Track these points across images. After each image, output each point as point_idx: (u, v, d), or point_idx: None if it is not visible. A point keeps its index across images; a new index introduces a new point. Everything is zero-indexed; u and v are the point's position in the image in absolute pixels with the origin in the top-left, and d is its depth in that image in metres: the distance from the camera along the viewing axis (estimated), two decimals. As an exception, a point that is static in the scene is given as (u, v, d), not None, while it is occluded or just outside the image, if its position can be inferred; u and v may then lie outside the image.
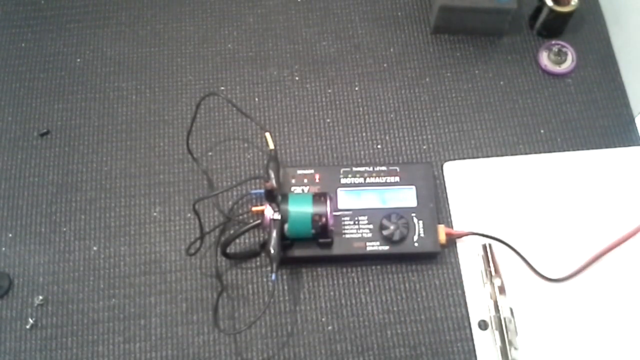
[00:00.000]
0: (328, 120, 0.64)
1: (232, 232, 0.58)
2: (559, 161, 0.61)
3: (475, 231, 0.57)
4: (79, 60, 0.68)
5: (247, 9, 0.70)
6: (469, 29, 0.68)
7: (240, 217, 0.60)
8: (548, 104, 0.65)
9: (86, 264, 0.58)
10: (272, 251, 0.52)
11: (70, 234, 0.60)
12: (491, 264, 0.56)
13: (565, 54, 0.66)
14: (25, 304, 0.57)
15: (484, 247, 0.57)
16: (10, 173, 0.62)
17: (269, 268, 0.57)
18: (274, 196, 0.54)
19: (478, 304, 0.55)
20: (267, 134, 0.58)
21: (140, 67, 0.67)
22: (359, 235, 0.56)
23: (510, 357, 0.52)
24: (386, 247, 0.55)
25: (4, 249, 0.59)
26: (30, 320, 0.56)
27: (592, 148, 0.62)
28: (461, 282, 0.57)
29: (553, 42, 0.67)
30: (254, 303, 0.56)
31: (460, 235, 0.57)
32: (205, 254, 0.58)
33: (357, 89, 0.66)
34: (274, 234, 0.52)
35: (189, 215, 0.60)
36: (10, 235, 0.60)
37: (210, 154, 0.63)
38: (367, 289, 0.57)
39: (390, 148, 0.63)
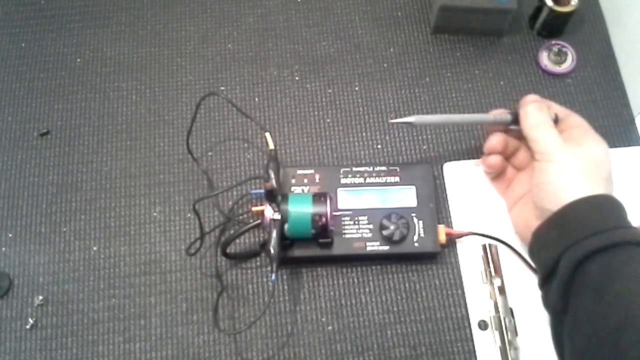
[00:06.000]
0: (328, 120, 0.64)
1: (232, 232, 0.58)
2: (559, 161, 0.61)
3: (475, 231, 0.57)
4: (79, 60, 0.68)
5: (247, 9, 0.70)
6: (469, 29, 0.67)
7: (240, 217, 0.60)
8: (548, 104, 0.65)
9: (86, 264, 0.58)
10: (272, 251, 0.52)
11: (70, 234, 0.60)
12: (491, 264, 0.56)
13: (565, 54, 0.66)
14: (25, 304, 0.57)
15: (484, 247, 0.57)
16: (10, 173, 0.62)
17: (269, 268, 0.57)
18: (274, 196, 0.54)
19: (478, 304, 0.55)
20: (267, 134, 0.58)
21: (140, 67, 0.67)
22: (359, 235, 0.56)
23: (510, 357, 0.52)
24: (386, 247, 0.55)
25: (4, 249, 0.59)
26: (30, 320, 0.56)
27: (592, 148, 0.62)
28: (461, 282, 0.57)
29: (553, 42, 0.67)
30: (254, 303, 0.56)
31: (460, 235, 0.57)
32: (205, 254, 0.58)
33: (357, 89, 0.66)
34: (274, 234, 0.52)
35: (189, 215, 0.60)
36: (10, 235, 0.60)
37: (210, 154, 0.63)
38: (367, 289, 0.57)
39: (390, 148, 0.63)
